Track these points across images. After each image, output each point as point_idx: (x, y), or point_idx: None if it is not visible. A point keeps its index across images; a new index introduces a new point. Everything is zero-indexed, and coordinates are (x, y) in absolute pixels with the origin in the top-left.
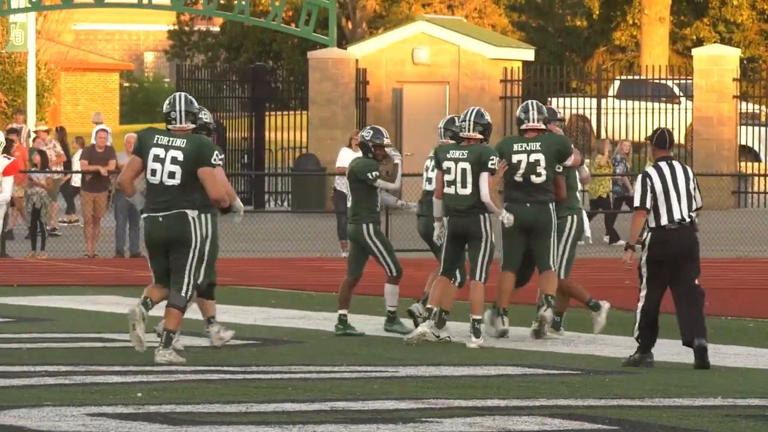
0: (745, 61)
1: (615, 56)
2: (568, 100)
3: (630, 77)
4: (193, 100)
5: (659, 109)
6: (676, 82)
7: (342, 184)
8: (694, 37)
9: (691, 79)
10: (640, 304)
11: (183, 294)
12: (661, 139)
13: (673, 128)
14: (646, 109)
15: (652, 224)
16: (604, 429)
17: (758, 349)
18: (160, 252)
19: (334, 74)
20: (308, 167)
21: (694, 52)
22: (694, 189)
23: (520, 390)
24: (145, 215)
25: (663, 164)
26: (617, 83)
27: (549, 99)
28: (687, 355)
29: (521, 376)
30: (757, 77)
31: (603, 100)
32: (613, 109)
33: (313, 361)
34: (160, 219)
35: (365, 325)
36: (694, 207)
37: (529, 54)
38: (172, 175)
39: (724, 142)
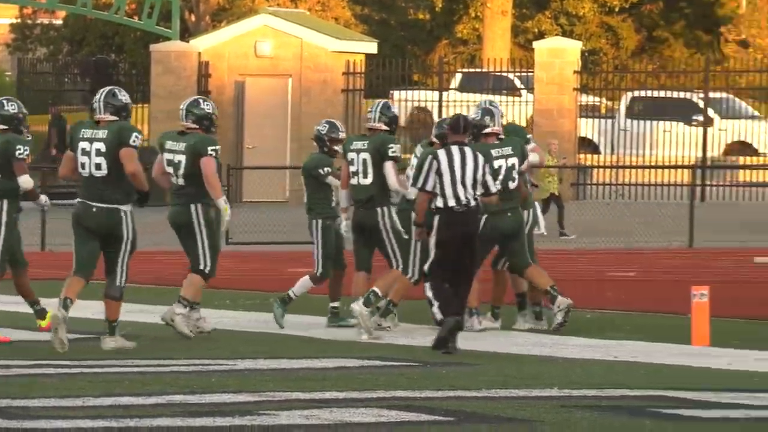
0: (586, 54)
1: (457, 49)
2: (410, 92)
3: (472, 70)
4: (118, 92)
5: (501, 101)
6: (518, 74)
7: None
8: (536, 30)
9: (533, 72)
10: (429, 286)
11: (118, 284)
12: (455, 124)
13: (514, 120)
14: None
15: (440, 205)
16: (441, 420)
17: (594, 340)
18: (88, 237)
19: (177, 67)
20: (150, 161)
21: (536, 44)
22: (483, 176)
23: (357, 382)
24: (78, 200)
25: (455, 148)
26: (459, 76)
27: (391, 92)
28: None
29: (359, 368)
30: (597, 70)
31: (445, 93)
32: (455, 101)
33: (150, 354)
34: (94, 209)
35: (210, 319)
36: (479, 192)
37: (371, 47)
38: (98, 166)
39: (564, 134)
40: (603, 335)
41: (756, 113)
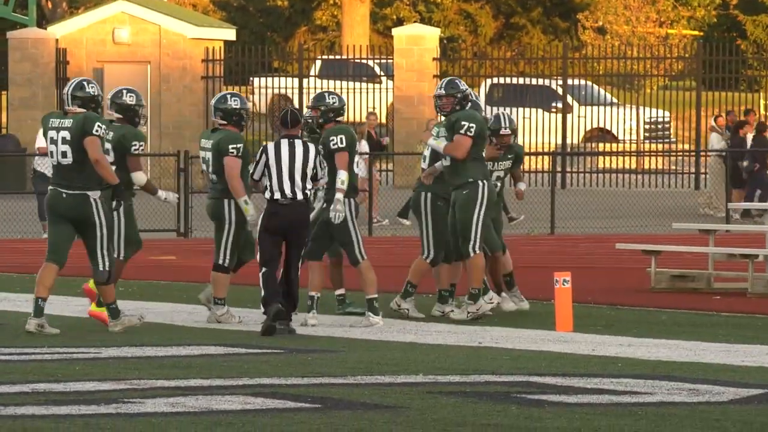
0: (444, 41)
1: (317, 36)
2: (270, 79)
3: (331, 57)
4: (86, 83)
5: (361, 88)
6: (377, 61)
7: (42, 164)
8: (395, 17)
9: (392, 59)
10: (261, 273)
11: (101, 269)
12: (284, 118)
13: (374, 107)
14: (348, 88)
15: (267, 197)
16: (308, 407)
17: (459, 326)
18: (60, 223)
19: (34, 54)
20: (8, 148)
21: (395, 31)
22: (314, 169)
23: (222, 369)
24: (51, 187)
25: (284, 142)
26: (319, 63)
27: (251, 79)
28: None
29: (224, 356)
30: (456, 57)
31: (305, 80)
32: (315, 88)
33: (13, 342)
34: (64, 195)
35: (66, 307)
36: (309, 186)
37: (230, 34)
38: (64, 154)
39: (424, 121)
40: (467, 321)
41: (614, 100)
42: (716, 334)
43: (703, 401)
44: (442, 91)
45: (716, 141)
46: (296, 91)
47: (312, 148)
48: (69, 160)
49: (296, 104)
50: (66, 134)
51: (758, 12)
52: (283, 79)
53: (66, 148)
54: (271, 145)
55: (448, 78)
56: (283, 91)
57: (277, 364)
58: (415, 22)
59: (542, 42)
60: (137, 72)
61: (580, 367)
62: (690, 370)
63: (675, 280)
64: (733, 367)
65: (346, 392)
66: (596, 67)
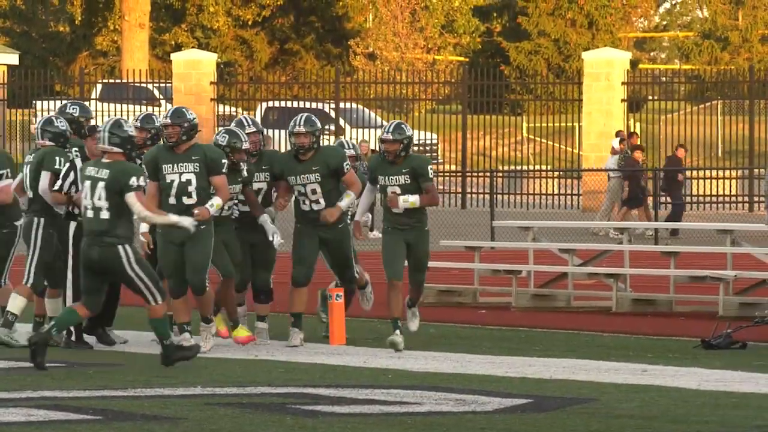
0: (221, 66)
1: (97, 60)
2: (52, 102)
3: (112, 81)
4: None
5: (141, 111)
6: (157, 85)
7: None
8: (173, 43)
9: (171, 83)
10: None
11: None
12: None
13: None
14: (128, 111)
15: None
16: (90, 419)
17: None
18: None
19: None
20: None
21: (173, 56)
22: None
23: (6, 382)
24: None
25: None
26: (99, 86)
27: (34, 102)
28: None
29: (6, 369)
30: (233, 81)
31: (86, 103)
32: (96, 111)
33: None
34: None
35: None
36: None
37: (13, 58)
38: None
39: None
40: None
41: (384, 122)
42: (481, 346)
43: (469, 411)
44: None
45: (612, 162)
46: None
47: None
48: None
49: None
50: None
51: (520, 39)
52: (65, 102)
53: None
54: (79, 162)
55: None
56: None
57: (59, 377)
58: (192, 47)
59: (315, 67)
60: None
61: (352, 378)
62: (457, 381)
63: (442, 294)
64: (498, 378)
65: (127, 404)
66: (367, 92)
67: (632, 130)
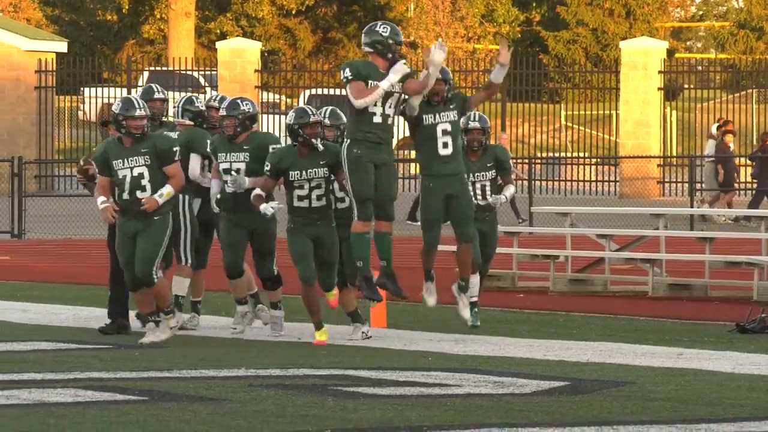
0: (265, 54)
1: (144, 49)
2: (100, 89)
3: (158, 68)
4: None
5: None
6: (202, 73)
7: None
8: (218, 31)
9: (216, 71)
10: None
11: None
12: None
13: None
14: (173, 98)
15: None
16: (135, 399)
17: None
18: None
19: None
20: None
21: (218, 45)
22: None
23: (54, 364)
24: None
25: None
26: (146, 74)
27: (82, 89)
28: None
29: (55, 351)
30: (276, 69)
31: (133, 90)
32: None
33: None
34: None
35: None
36: None
37: (62, 46)
38: None
39: None
40: (288, 318)
41: None
42: (520, 330)
43: (507, 393)
44: None
45: (710, 148)
46: None
47: None
48: None
49: None
50: None
51: (559, 29)
52: (112, 89)
53: None
54: None
55: None
56: (112, 100)
57: (106, 359)
58: (237, 36)
59: (358, 55)
60: None
61: (393, 361)
62: (495, 363)
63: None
64: (536, 361)
65: (172, 385)
66: None
67: (726, 119)
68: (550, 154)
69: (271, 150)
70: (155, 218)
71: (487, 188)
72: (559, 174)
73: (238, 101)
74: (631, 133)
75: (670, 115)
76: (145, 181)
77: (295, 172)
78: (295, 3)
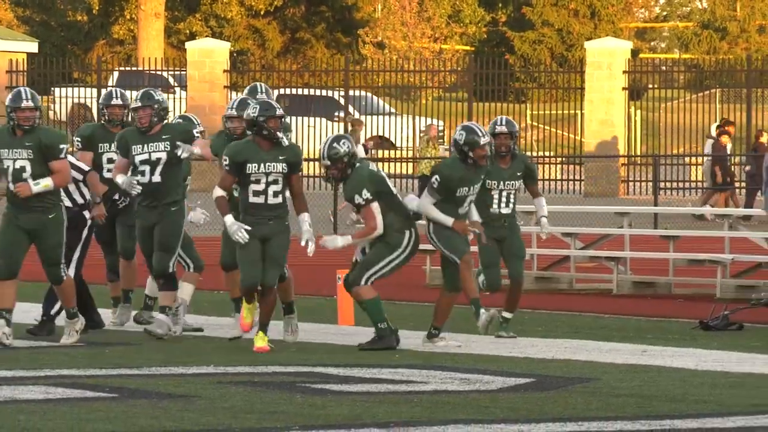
0: (234, 54)
1: (114, 49)
2: (71, 89)
3: (128, 68)
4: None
5: None
6: (172, 73)
7: None
8: (188, 32)
9: (185, 71)
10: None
11: None
12: None
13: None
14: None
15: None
16: (106, 396)
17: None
18: None
19: None
20: None
21: (188, 45)
22: None
23: (25, 362)
24: None
25: None
26: (116, 74)
27: (52, 89)
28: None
29: (27, 348)
30: (245, 69)
31: (103, 90)
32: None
33: None
34: None
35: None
36: None
37: (33, 46)
38: None
39: (215, 131)
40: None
41: (392, 110)
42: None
43: (473, 389)
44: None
45: (708, 147)
46: (95, 100)
47: None
48: None
49: (94, 113)
50: None
51: (524, 29)
52: (82, 89)
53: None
54: None
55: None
56: (82, 100)
57: (77, 356)
58: (206, 36)
59: (325, 56)
60: None
61: (360, 358)
62: (462, 360)
63: None
64: (502, 358)
65: (142, 382)
66: (375, 80)
67: (727, 119)
68: None
69: (196, 134)
70: (50, 216)
71: (512, 196)
72: None
73: (152, 92)
74: (595, 132)
75: (635, 115)
76: (26, 174)
77: (253, 165)
78: (263, 3)
